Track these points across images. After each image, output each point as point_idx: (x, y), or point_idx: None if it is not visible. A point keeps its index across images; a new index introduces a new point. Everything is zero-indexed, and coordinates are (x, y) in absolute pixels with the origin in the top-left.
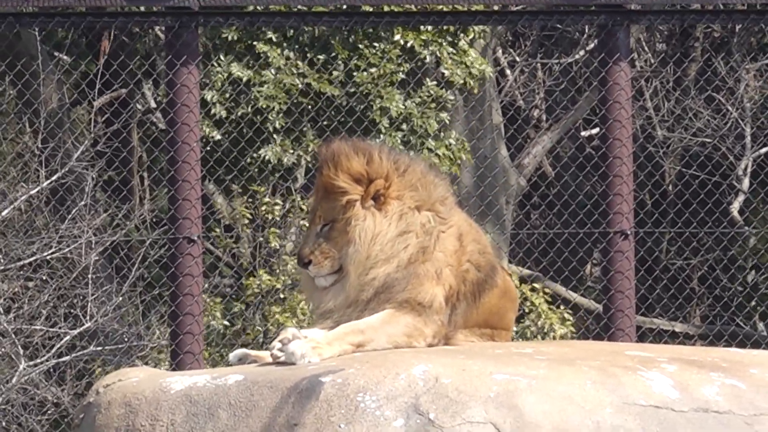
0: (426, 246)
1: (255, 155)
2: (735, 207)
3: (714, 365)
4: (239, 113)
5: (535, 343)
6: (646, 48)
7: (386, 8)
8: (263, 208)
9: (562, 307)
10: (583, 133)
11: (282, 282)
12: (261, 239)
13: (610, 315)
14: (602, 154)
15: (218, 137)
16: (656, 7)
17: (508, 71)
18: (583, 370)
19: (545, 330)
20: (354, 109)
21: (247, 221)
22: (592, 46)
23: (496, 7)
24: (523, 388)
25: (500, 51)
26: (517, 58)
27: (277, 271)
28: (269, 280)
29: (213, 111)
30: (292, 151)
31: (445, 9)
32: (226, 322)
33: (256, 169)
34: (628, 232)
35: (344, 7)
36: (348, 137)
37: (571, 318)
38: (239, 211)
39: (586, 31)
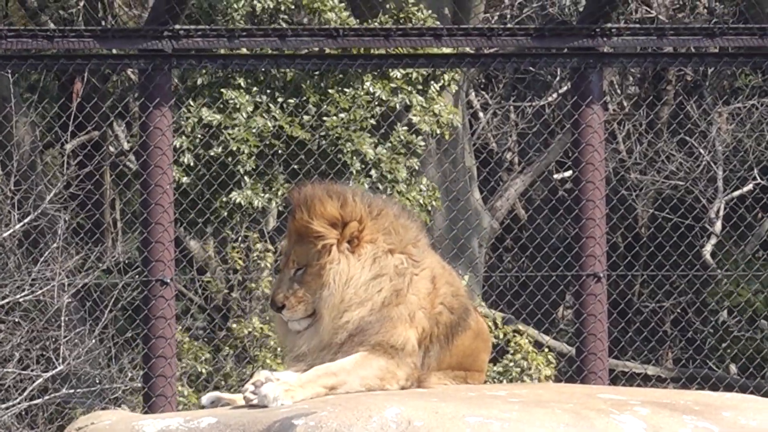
0: (399, 289)
1: (225, 199)
2: (707, 250)
3: (687, 408)
4: (210, 155)
5: (508, 385)
6: (618, 91)
7: (357, 51)
8: (236, 253)
9: (545, 349)
10: (555, 176)
11: (257, 330)
12: (253, 285)
13: (583, 358)
14: (575, 197)
15: (187, 181)
16: (629, 50)
17: (480, 114)
18: (557, 413)
19: (530, 371)
20: (326, 153)
21: (219, 265)
22: (564, 88)
23: (468, 50)
24: (497, 431)
25: (473, 93)
26: (490, 101)
27: (251, 316)
28: (261, 327)
29: (182, 159)
30: (263, 195)
31: (418, 52)
32: (207, 367)
33: (226, 213)
34: (601, 275)
35: (316, 50)
36: (320, 180)
37: (554, 361)
38: (232, 257)
39: (559, 73)
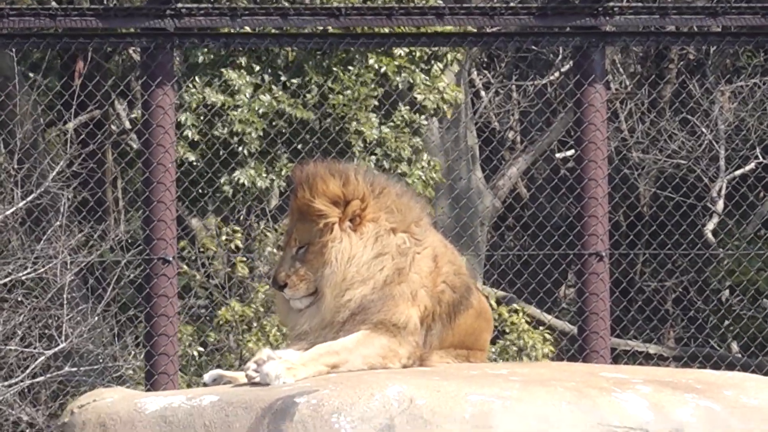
0: (401, 267)
1: (229, 178)
2: (709, 228)
3: (688, 387)
4: (214, 135)
5: (510, 364)
6: (621, 70)
7: (360, 30)
8: (223, 237)
9: (541, 327)
10: (557, 155)
11: (254, 310)
12: (229, 269)
13: (585, 336)
14: (577, 176)
15: (192, 158)
16: (631, 29)
17: (482, 93)
18: (558, 392)
19: (527, 349)
20: (329, 132)
21: (215, 248)
22: (567, 67)
23: (471, 29)
24: (498, 409)
25: (475, 73)
26: (492, 80)
27: (248, 298)
28: (243, 310)
29: (186, 133)
30: (265, 175)
31: (421, 31)
32: (200, 348)
33: (231, 191)
34: (603, 254)
35: (319, 29)
36: (323, 159)
37: (551, 338)
38: (211, 235)
39: (561, 52)
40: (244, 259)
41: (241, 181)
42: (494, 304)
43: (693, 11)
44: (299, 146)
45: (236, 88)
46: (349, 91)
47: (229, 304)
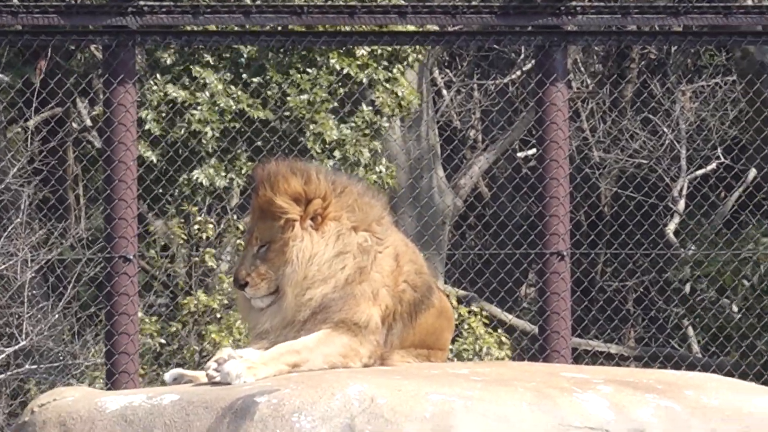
0: (363, 266)
1: (188, 177)
2: (671, 228)
3: (649, 387)
4: (174, 135)
5: (471, 363)
6: (582, 69)
7: (322, 29)
8: (196, 227)
9: (499, 330)
10: (519, 154)
11: (218, 302)
12: (197, 259)
13: (546, 336)
14: (539, 175)
15: (153, 158)
16: (593, 28)
17: (444, 92)
18: (519, 392)
19: (482, 353)
20: (288, 133)
21: (182, 241)
22: (528, 66)
23: (433, 27)
24: (459, 409)
25: (437, 71)
26: (454, 79)
27: (214, 290)
28: (206, 299)
29: (148, 127)
30: (224, 174)
31: (383, 29)
32: (162, 341)
33: (189, 191)
34: (564, 253)
35: (279, 28)
36: (284, 158)
37: (508, 342)
38: (174, 231)
39: (523, 51)
40: (212, 250)
41: (199, 179)
42: (455, 303)
43: (655, 11)
44: (259, 144)
45: (201, 83)
46: (305, 96)
47: (194, 294)
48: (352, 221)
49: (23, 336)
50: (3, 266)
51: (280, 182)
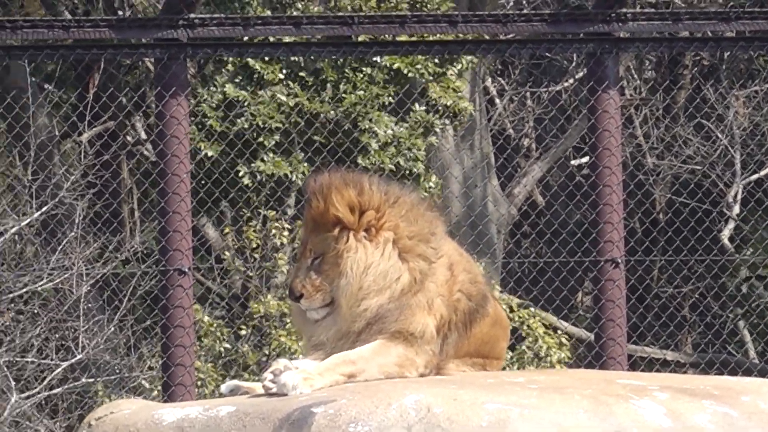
0: (417, 277)
1: (249, 169)
2: (725, 234)
3: (706, 393)
4: (233, 130)
5: (526, 372)
6: (635, 75)
7: (373, 38)
8: (273, 231)
9: (559, 331)
10: (572, 162)
11: (288, 307)
12: (268, 264)
13: (602, 343)
14: (592, 183)
15: (211, 152)
16: (645, 35)
17: (497, 100)
18: (575, 399)
19: (541, 355)
20: (344, 129)
21: (255, 245)
22: (581, 74)
23: (486, 36)
24: (515, 418)
25: (489, 80)
26: (506, 87)
27: (284, 294)
28: (278, 304)
29: (209, 123)
30: (290, 169)
31: (433, 38)
32: (227, 345)
33: (249, 183)
34: (619, 260)
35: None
36: (337, 168)
37: (567, 343)
38: (246, 236)
39: (575, 59)
40: (284, 257)
41: (261, 169)
42: (515, 306)
43: (706, 16)
44: (320, 140)
45: (262, 77)
46: (361, 92)
47: (263, 300)
48: (405, 231)
49: (79, 350)
50: (58, 280)
51: (333, 194)
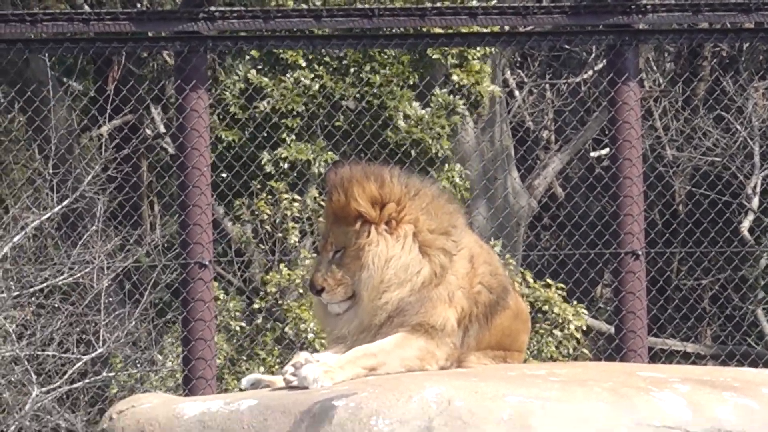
0: (438, 269)
1: (270, 155)
2: (745, 226)
3: (726, 385)
4: (256, 117)
5: (548, 364)
6: (654, 68)
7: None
8: (283, 204)
9: (575, 303)
10: (592, 154)
11: (300, 277)
12: (279, 235)
13: (622, 336)
14: (612, 175)
15: (231, 138)
16: (664, 27)
17: (516, 92)
18: (596, 392)
19: (559, 322)
20: (370, 111)
21: (266, 218)
22: (600, 66)
23: (505, 28)
24: (537, 410)
25: (509, 72)
26: (526, 79)
27: (296, 265)
28: (289, 273)
29: (230, 110)
30: (309, 151)
31: (452, 31)
32: (242, 324)
33: (272, 168)
34: (639, 253)
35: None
36: (357, 162)
37: (585, 312)
38: (258, 207)
39: (595, 51)
40: (296, 225)
41: (283, 156)
42: (530, 280)
43: (726, 8)
44: (346, 125)
45: (286, 62)
46: (387, 70)
47: (277, 270)
48: (426, 224)
49: (100, 343)
50: (79, 274)
51: (354, 187)
